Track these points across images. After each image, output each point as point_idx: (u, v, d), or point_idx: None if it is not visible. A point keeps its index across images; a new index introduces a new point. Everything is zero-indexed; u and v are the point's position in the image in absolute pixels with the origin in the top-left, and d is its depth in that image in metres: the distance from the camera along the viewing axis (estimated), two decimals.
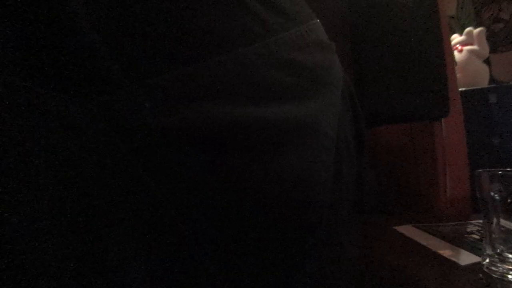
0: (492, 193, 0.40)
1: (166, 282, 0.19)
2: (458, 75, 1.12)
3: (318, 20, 0.35)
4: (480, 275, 0.39)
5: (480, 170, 0.42)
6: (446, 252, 0.46)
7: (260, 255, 0.23)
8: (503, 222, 0.39)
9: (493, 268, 0.38)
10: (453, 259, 0.44)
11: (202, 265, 0.20)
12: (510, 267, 0.37)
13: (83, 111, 0.17)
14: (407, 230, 0.59)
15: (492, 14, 1.63)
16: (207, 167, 0.21)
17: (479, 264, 0.41)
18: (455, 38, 1.44)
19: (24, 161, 0.15)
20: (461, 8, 1.66)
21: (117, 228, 0.17)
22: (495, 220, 0.40)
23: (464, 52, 1.37)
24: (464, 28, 1.45)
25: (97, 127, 0.18)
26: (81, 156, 0.17)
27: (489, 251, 0.40)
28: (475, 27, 1.43)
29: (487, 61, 1.42)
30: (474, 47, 1.37)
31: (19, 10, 0.17)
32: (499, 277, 0.37)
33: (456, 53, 1.38)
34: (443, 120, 0.79)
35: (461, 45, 1.39)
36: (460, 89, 0.97)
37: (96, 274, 0.16)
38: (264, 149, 0.23)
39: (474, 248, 0.46)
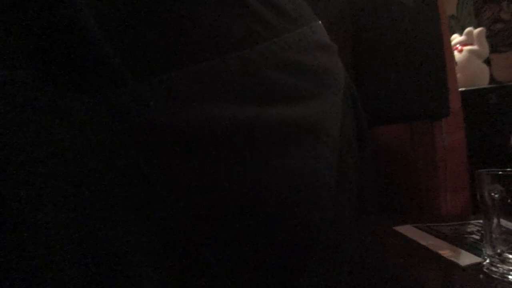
0: (492, 193, 0.40)
1: (170, 279, 0.19)
2: (458, 75, 1.11)
3: (320, 22, 0.35)
4: (481, 275, 0.39)
5: (480, 170, 0.42)
6: (446, 252, 0.46)
7: (264, 255, 0.23)
8: (503, 222, 0.39)
9: (493, 269, 0.38)
10: (453, 259, 0.44)
11: (206, 265, 0.20)
12: (511, 268, 0.37)
13: (88, 108, 0.18)
14: (407, 230, 0.59)
15: (492, 14, 1.62)
16: (211, 166, 0.21)
17: (479, 264, 0.41)
18: (455, 38, 1.44)
19: (29, 158, 0.15)
20: (461, 8, 1.66)
21: (121, 223, 0.18)
22: (495, 220, 0.40)
23: (464, 52, 1.37)
24: (464, 28, 1.45)
25: (102, 124, 0.18)
26: (86, 152, 0.17)
27: (489, 251, 0.40)
28: (475, 27, 1.43)
29: (487, 61, 1.42)
30: (474, 47, 1.37)
31: (21, 7, 0.17)
32: (499, 277, 0.37)
33: (456, 53, 1.38)
34: (443, 120, 0.79)
35: (461, 45, 1.39)
36: (460, 89, 0.97)
37: (100, 266, 0.17)
38: (267, 149, 0.23)
39: (474, 249, 0.47)
